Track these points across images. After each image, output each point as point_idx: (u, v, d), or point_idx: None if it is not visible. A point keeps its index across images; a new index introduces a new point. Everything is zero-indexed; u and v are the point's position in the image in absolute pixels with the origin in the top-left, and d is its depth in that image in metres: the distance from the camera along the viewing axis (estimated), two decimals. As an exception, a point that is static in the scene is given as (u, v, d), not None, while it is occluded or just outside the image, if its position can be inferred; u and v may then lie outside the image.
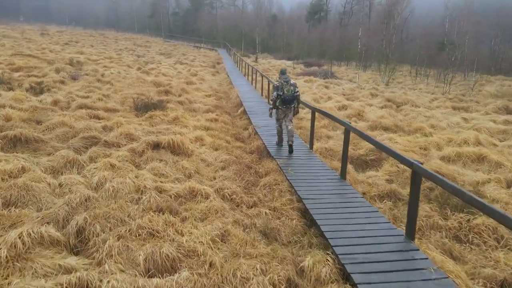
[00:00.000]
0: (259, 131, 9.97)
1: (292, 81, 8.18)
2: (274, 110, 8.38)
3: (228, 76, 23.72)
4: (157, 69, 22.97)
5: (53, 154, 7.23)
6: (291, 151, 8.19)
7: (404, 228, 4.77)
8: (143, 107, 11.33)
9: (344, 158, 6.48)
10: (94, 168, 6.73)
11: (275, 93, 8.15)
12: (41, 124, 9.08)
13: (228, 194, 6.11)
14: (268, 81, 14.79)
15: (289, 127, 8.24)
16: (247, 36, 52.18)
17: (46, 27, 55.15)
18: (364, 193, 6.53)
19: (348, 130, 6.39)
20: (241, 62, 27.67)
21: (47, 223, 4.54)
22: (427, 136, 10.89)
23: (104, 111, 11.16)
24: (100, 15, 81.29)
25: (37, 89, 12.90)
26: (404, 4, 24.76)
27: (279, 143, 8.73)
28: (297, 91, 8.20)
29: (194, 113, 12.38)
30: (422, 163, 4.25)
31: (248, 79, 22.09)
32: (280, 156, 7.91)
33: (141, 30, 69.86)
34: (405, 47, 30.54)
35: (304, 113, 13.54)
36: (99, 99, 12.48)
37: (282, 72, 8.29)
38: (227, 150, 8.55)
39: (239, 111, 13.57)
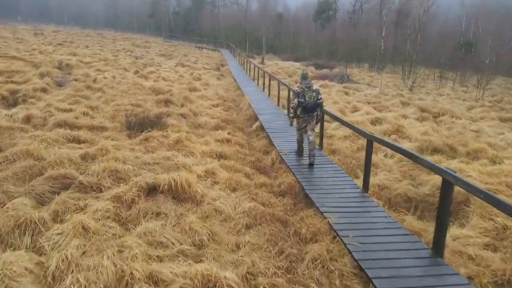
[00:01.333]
0: (287, 160, 7.68)
1: (314, 87, 7.55)
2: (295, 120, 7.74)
3: (234, 80, 21.43)
4: (157, 72, 20.65)
5: (3, 206, 4.99)
6: (310, 164, 7.40)
7: None
8: (138, 125, 9.05)
9: (442, 227, 4.14)
10: (58, 235, 4.50)
11: (296, 100, 7.44)
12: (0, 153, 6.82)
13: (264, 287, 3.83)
14: (289, 89, 12.50)
15: (310, 138, 7.51)
16: (251, 36, 49.77)
17: (42, 26, 52.99)
18: (470, 278, 4.26)
19: (450, 183, 4.04)
20: (247, 64, 25.37)
21: None
22: (496, 163, 8.59)
23: (89, 130, 8.93)
24: (99, 15, 79.18)
25: (10, 100, 10.68)
26: (431, 0, 22.52)
27: (298, 153, 8.00)
28: (320, 98, 7.54)
29: (201, 130, 10.10)
30: None
31: (258, 84, 19.80)
32: (327, 206, 5.57)
33: (141, 30, 67.67)
34: (424, 47, 28.16)
35: (332, 128, 11.24)
36: (84, 114, 10.20)
37: (304, 77, 7.53)
38: (249, 191, 6.25)
39: (254, 126, 11.29)
